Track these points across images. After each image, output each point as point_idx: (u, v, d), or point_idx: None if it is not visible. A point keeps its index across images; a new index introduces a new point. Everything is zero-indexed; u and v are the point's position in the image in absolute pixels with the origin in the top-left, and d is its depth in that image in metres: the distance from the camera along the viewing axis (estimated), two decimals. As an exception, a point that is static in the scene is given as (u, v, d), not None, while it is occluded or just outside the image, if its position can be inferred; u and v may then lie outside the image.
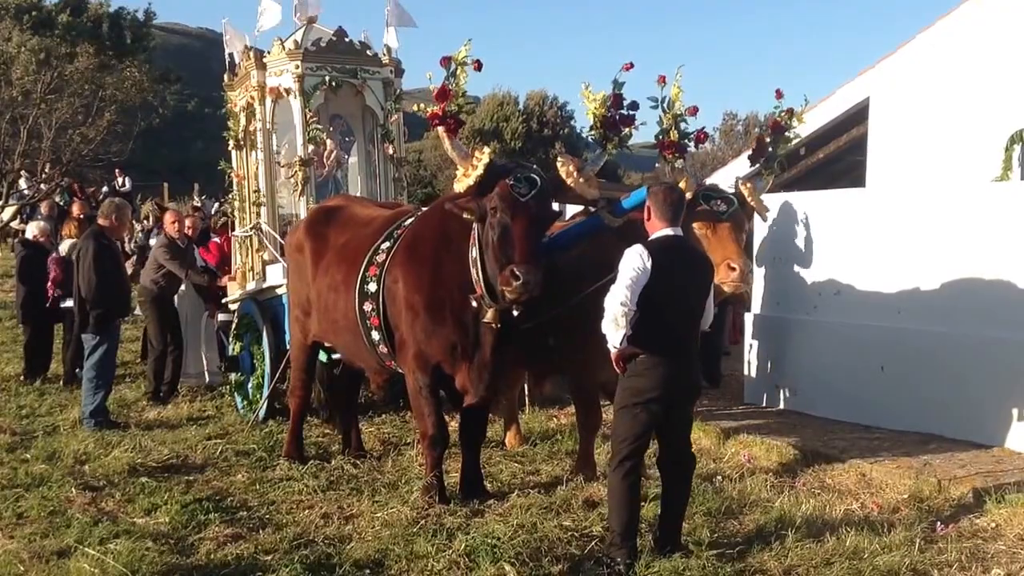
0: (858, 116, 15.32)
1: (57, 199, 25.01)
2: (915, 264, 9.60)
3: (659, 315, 6.23)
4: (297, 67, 10.73)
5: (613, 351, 6.29)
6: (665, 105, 7.96)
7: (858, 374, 9.96)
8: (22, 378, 13.40)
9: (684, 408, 6.63)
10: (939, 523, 7.09)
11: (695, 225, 7.72)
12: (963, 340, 9.12)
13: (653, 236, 6.46)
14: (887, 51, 15.06)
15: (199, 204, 26.88)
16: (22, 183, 26.38)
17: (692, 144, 8.21)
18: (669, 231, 6.42)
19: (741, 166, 14.45)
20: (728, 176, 14.17)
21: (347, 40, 11.09)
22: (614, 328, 6.18)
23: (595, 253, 7.67)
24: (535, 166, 7.43)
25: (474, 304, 7.36)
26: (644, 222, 6.56)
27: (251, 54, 11.14)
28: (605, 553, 6.35)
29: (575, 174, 7.42)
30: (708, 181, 9.73)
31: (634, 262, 6.22)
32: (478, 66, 7.17)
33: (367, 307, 8.12)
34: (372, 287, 8.08)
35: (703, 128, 8.27)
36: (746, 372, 11.53)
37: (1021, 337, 8.70)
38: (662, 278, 6.21)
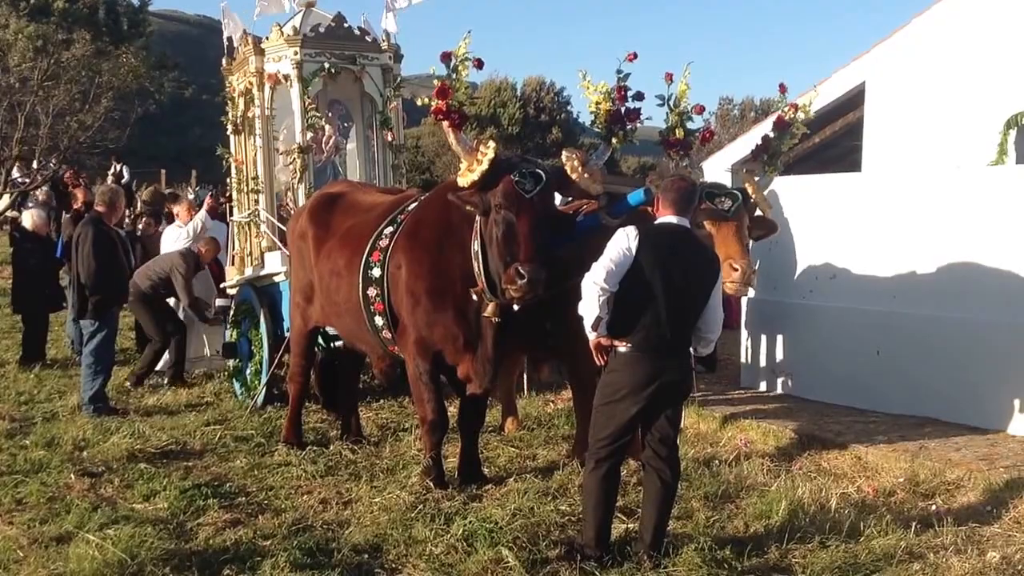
0: (854, 101, 15.29)
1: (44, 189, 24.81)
2: (911, 248, 9.62)
3: (645, 306, 5.99)
4: (295, 53, 10.69)
5: (592, 337, 6.11)
6: (671, 103, 7.90)
7: (854, 358, 9.99)
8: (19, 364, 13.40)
9: (669, 408, 6.22)
10: (935, 506, 7.13)
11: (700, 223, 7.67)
12: (958, 324, 9.15)
13: (655, 222, 6.27)
14: (883, 35, 15.04)
15: (192, 194, 26.74)
16: (15, 172, 26.30)
17: (698, 142, 8.15)
18: (673, 219, 6.18)
19: (737, 150, 14.45)
20: (724, 160, 14.20)
21: (346, 26, 11.05)
22: (588, 309, 6.03)
23: (597, 240, 7.65)
24: (539, 160, 7.40)
25: (475, 298, 7.36)
26: (656, 210, 6.35)
27: (249, 40, 11.12)
28: (579, 549, 6.20)
29: (580, 169, 7.37)
30: (705, 164, 9.73)
31: (620, 243, 6.02)
32: (479, 64, 7.11)
33: (371, 292, 8.11)
34: (376, 272, 8.07)
35: (709, 127, 8.21)
36: (742, 357, 11.56)
37: (1016, 321, 8.73)
38: (652, 266, 5.98)
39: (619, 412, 6.13)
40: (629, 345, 6.05)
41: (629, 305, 6.04)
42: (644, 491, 6.42)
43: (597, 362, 6.27)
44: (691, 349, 6.36)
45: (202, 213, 13.47)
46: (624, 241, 6.02)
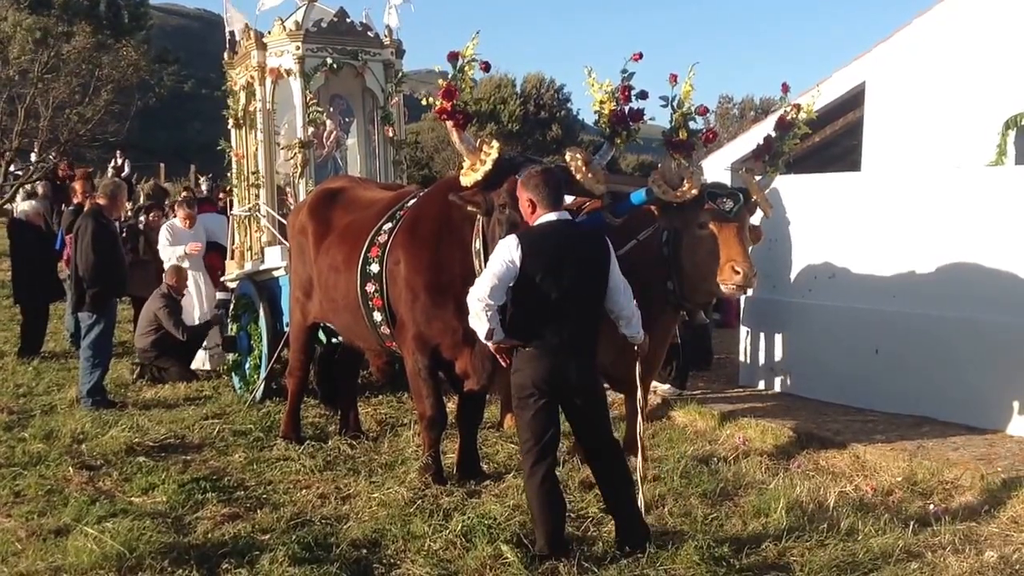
0: (854, 100, 15.31)
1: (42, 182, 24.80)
2: (910, 248, 9.63)
3: (538, 310, 6.05)
4: (298, 48, 10.67)
5: (489, 346, 6.20)
6: (675, 104, 7.83)
7: (852, 357, 9.99)
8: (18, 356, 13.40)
9: (587, 410, 6.31)
10: (932, 505, 7.14)
11: (702, 223, 7.64)
12: (957, 323, 9.15)
13: (535, 223, 6.26)
14: (883, 35, 15.08)
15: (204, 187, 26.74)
16: (12, 167, 26.32)
17: (701, 143, 8.11)
18: (552, 216, 6.20)
19: (737, 149, 14.46)
20: (724, 159, 14.19)
21: (348, 21, 11.04)
22: (477, 323, 6.09)
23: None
24: (543, 160, 7.37)
25: None
26: (529, 215, 6.32)
27: (251, 34, 11.10)
28: (536, 555, 6.15)
29: (583, 168, 7.34)
30: (704, 163, 9.64)
31: (502, 255, 6.04)
32: (486, 67, 7.10)
33: (370, 288, 8.10)
34: (374, 268, 8.06)
35: (712, 128, 8.17)
36: (741, 355, 11.57)
37: (1014, 320, 8.74)
38: (540, 272, 6.02)
39: (528, 411, 6.15)
40: (526, 344, 6.12)
41: (523, 310, 6.10)
42: (599, 489, 6.53)
43: (501, 363, 6.34)
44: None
45: (167, 225, 13.63)
46: (507, 253, 6.04)
